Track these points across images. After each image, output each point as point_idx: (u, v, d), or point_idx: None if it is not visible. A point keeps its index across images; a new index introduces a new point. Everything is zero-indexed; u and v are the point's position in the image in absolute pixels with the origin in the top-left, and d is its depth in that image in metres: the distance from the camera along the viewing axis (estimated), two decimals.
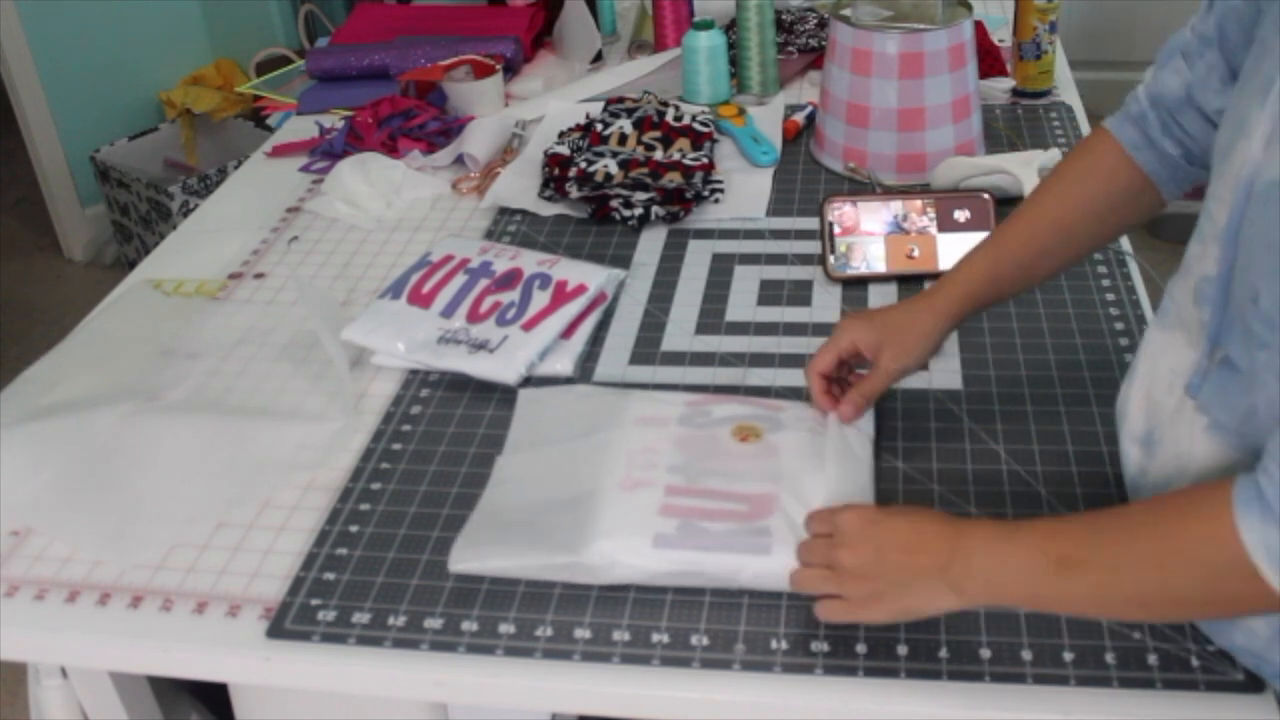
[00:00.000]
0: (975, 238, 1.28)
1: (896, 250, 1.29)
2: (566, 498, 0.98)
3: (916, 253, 1.29)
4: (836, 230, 1.30)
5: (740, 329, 1.23)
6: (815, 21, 1.93)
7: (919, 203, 1.31)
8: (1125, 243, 1.31)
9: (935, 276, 1.28)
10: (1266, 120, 0.72)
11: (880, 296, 1.26)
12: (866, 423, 1.04)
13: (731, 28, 1.80)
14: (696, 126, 1.54)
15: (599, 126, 1.54)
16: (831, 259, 1.29)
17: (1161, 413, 0.85)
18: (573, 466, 1.02)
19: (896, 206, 1.31)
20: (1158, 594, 0.73)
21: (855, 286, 1.29)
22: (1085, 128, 1.58)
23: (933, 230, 1.30)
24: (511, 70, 1.85)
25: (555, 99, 1.76)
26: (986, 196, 1.31)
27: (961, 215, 1.30)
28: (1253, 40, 0.81)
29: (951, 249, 1.28)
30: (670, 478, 0.98)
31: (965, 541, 0.79)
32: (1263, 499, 0.67)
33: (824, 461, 0.97)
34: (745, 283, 1.31)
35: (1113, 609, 0.79)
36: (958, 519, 0.83)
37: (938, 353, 1.05)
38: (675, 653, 0.87)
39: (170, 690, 1.17)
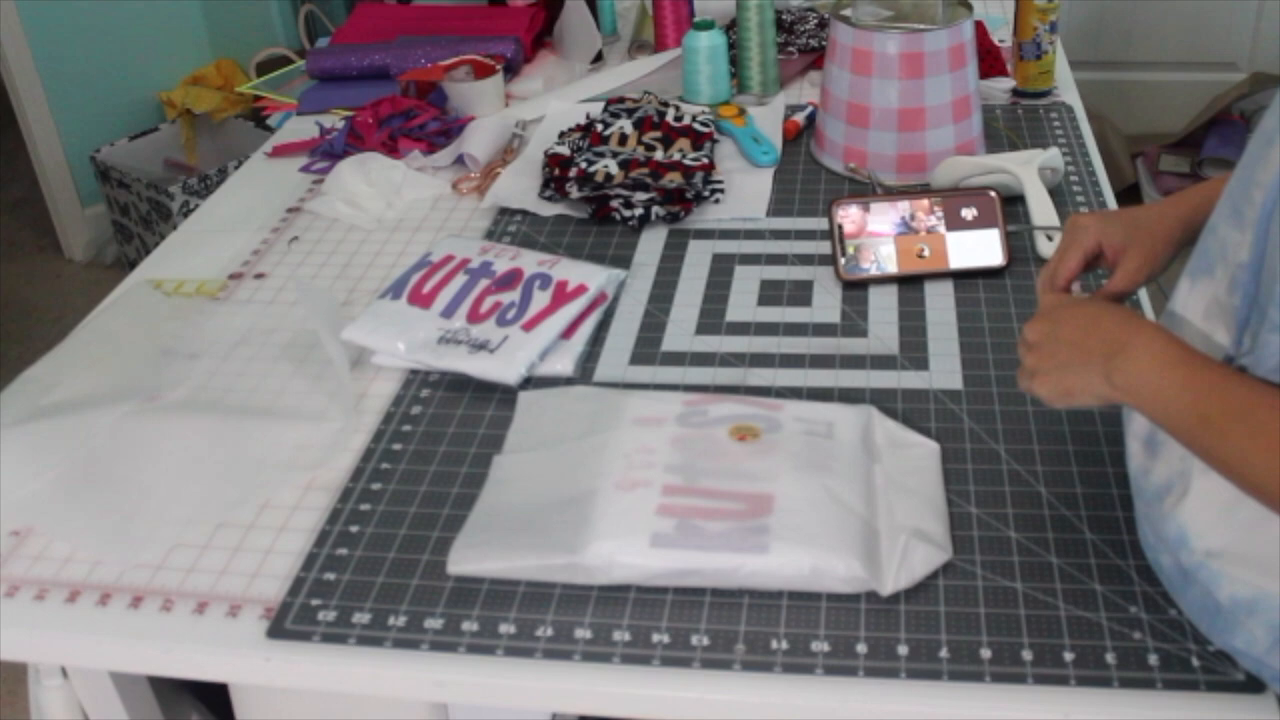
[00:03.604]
0: (984, 235, 1.29)
1: (907, 250, 1.29)
2: (564, 498, 0.98)
3: (927, 252, 1.29)
4: (845, 232, 1.30)
5: (740, 329, 1.23)
6: (815, 21, 1.93)
7: (926, 202, 1.31)
8: None
9: (947, 276, 1.28)
10: None
11: (882, 297, 1.26)
12: (869, 431, 1.04)
13: (731, 28, 1.80)
14: (697, 127, 1.54)
15: (599, 126, 1.54)
16: (842, 261, 1.29)
17: None
18: (570, 467, 1.02)
19: (904, 207, 1.31)
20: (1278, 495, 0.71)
21: (857, 287, 1.29)
22: (1085, 128, 1.58)
23: (941, 229, 1.30)
24: (511, 70, 1.85)
25: (555, 99, 1.76)
26: (993, 194, 1.31)
27: (969, 213, 1.30)
28: None
29: (961, 247, 1.28)
30: (668, 477, 0.98)
31: (1134, 346, 0.79)
32: None
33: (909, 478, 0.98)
34: (745, 283, 1.31)
35: (1231, 477, 0.75)
36: (1140, 320, 0.81)
37: (1167, 267, 0.97)
38: (675, 653, 0.87)
39: (170, 690, 1.17)
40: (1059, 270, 0.97)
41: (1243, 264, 0.78)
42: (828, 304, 1.26)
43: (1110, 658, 0.84)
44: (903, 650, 0.86)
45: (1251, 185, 0.78)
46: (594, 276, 1.26)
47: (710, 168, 1.47)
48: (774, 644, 0.87)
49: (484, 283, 1.26)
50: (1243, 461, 0.72)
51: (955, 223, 1.30)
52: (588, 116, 1.61)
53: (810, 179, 1.51)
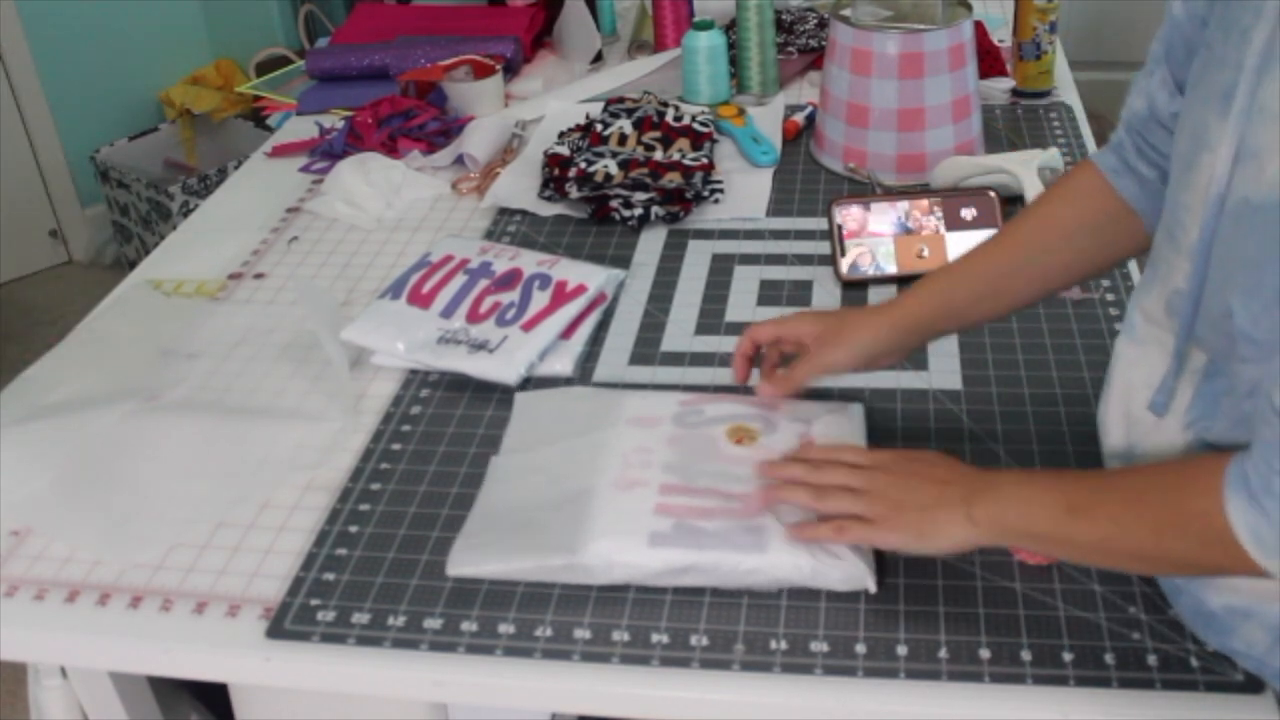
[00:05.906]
0: (983, 235, 1.28)
1: (906, 251, 1.29)
2: (562, 498, 0.98)
3: (926, 252, 1.29)
4: (845, 232, 1.30)
5: (740, 329, 1.23)
6: (815, 21, 1.93)
7: (925, 202, 1.31)
8: None
9: None
10: (1231, 135, 0.71)
11: (881, 297, 1.26)
12: (858, 431, 1.04)
13: (731, 28, 1.80)
14: (696, 127, 1.54)
15: (599, 127, 1.54)
16: (842, 261, 1.29)
17: (1141, 426, 0.84)
18: (567, 466, 1.02)
19: (904, 207, 1.31)
20: (1153, 553, 0.76)
21: (856, 287, 1.29)
22: (1085, 128, 1.58)
23: (941, 229, 1.30)
24: (511, 70, 1.85)
25: (555, 99, 1.76)
26: (992, 194, 1.31)
27: (968, 213, 1.30)
28: (1194, 51, 0.81)
29: (960, 247, 1.28)
30: (665, 477, 0.98)
31: (992, 478, 0.85)
32: (1249, 485, 0.69)
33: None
34: (745, 283, 1.31)
35: (1111, 559, 0.81)
36: (993, 469, 0.87)
37: (887, 362, 1.02)
38: (675, 653, 0.87)
39: (170, 690, 1.17)
40: (751, 329, 1.03)
41: (1179, 290, 0.78)
42: (827, 304, 1.26)
43: (1109, 658, 0.84)
44: (902, 650, 0.86)
45: (1179, 208, 0.78)
46: (593, 276, 1.26)
47: (710, 168, 1.47)
48: (773, 644, 0.87)
49: (483, 283, 1.26)
50: (1115, 532, 0.77)
51: (955, 223, 1.30)
52: (587, 116, 1.61)
53: (810, 179, 1.51)
